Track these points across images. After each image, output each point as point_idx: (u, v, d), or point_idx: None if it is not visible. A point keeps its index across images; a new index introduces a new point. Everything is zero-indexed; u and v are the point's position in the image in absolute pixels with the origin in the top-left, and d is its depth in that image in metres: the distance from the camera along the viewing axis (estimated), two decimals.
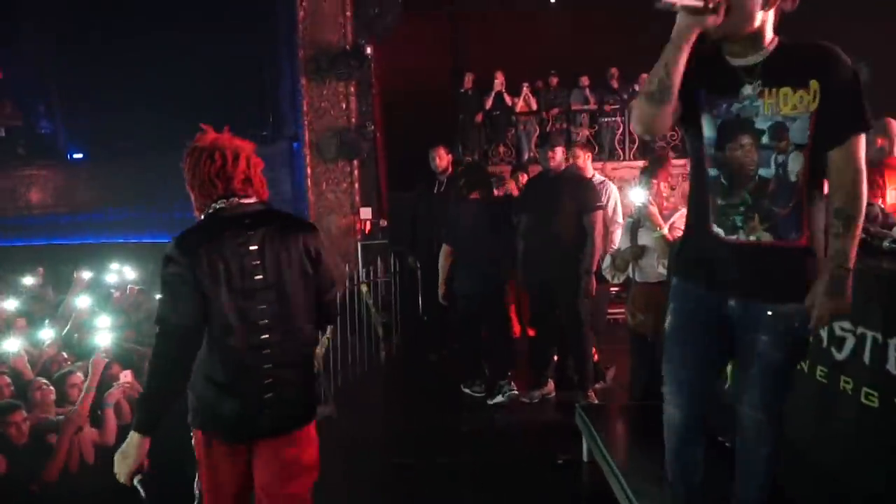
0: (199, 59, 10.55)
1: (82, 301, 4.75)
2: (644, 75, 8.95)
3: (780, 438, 1.94)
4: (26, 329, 4.83)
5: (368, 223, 7.90)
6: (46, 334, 4.23)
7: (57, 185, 12.63)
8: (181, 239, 1.85)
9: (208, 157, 1.88)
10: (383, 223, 8.19)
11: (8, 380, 3.85)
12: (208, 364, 1.87)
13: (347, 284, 5.16)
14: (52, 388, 3.75)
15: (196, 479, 2.03)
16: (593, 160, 5.01)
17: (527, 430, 4.01)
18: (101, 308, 5.17)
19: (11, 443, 3.23)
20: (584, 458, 3.31)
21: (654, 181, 3.86)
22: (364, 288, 5.53)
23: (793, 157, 1.73)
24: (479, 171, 4.80)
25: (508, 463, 3.54)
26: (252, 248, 1.86)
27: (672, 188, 4.13)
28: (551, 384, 4.43)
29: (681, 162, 6.13)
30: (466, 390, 4.57)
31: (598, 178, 4.71)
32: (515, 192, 5.43)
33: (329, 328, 4.26)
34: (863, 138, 1.73)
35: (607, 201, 4.55)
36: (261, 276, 1.87)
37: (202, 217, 1.94)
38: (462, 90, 9.62)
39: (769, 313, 1.81)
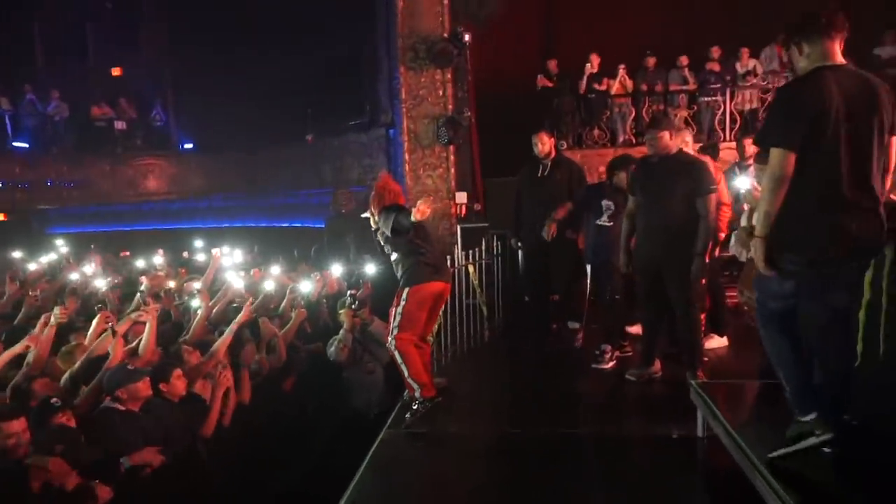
0: (299, 58, 10.98)
1: (235, 280, 5.27)
2: (745, 49, 8.69)
3: None
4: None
5: (464, 207, 8.13)
6: (196, 303, 4.70)
7: (170, 174, 13.65)
8: None
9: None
10: (478, 207, 8.39)
11: (155, 346, 4.31)
12: None
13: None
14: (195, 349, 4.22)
15: None
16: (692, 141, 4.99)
17: (636, 406, 4.11)
18: None
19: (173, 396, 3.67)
20: (699, 433, 3.38)
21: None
22: (471, 269, 5.73)
23: None
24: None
25: (622, 436, 3.65)
26: None
27: None
28: (658, 363, 4.49)
29: None
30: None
31: None
32: None
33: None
34: None
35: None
36: None
37: None
38: (555, 74, 9.61)
39: None
